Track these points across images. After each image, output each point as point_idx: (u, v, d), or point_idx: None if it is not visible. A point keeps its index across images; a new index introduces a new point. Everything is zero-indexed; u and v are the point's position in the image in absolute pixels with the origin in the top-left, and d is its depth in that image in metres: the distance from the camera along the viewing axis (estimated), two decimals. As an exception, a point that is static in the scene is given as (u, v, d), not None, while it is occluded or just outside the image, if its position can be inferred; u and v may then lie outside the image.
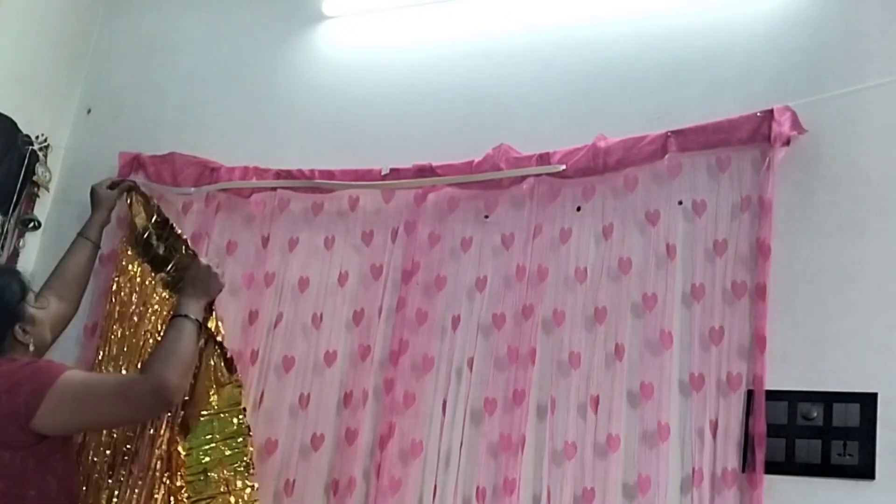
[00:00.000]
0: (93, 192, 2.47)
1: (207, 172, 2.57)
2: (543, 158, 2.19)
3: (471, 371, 2.15)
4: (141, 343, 2.39)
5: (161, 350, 1.95)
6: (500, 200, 2.26)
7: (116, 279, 2.50)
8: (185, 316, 2.01)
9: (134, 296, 2.46)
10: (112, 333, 2.45)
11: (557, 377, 2.07)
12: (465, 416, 2.13)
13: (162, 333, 2.05)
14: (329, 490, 2.20)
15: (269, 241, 2.46)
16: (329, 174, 2.41)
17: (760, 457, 1.83)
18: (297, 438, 2.28)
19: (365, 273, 2.34)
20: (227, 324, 2.37)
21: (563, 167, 2.15)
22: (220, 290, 2.17)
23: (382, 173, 2.36)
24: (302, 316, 2.38)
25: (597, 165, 2.12)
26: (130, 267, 2.50)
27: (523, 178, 2.21)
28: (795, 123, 1.97)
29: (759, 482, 1.82)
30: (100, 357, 2.44)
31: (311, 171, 2.44)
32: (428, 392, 2.18)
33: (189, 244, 2.39)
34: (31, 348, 1.98)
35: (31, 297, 2.00)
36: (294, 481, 2.24)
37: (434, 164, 2.30)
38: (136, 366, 2.34)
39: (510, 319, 2.15)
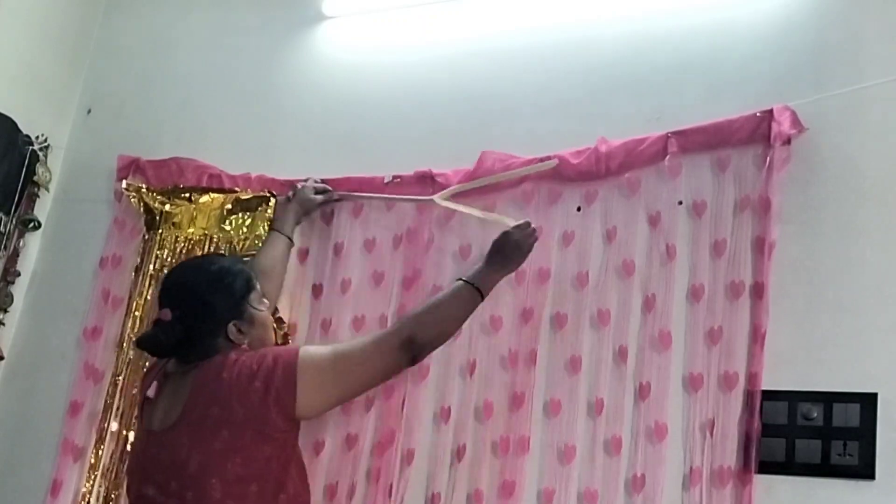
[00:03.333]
0: (296, 192, 2.32)
1: (207, 178, 2.57)
2: (542, 161, 2.19)
3: (471, 375, 2.15)
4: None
5: (425, 305, 1.82)
6: (500, 204, 2.25)
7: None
8: (467, 282, 1.84)
9: None
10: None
11: (562, 379, 2.07)
12: (469, 417, 2.13)
13: (441, 292, 1.87)
14: (326, 494, 2.19)
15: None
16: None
17: (758, 456, 1.84)
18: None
19: (367, 279, 2.34)
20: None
21: (556, 162, 2.15)
22: (520, 264, 1.95)
23: (385, 181, 2.35)
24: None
25: (599, 169, 2.13)
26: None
27: (521, 180, 2.21)
28: (795, 123, 1.97)
29: (756, 481, 1.83)
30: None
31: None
32: (427, 397, 2.18)
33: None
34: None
35: (254, 296, 1.81)
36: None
37: (434, 171, 2.30)
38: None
39: (512, 322, 2.14)
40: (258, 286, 1.85)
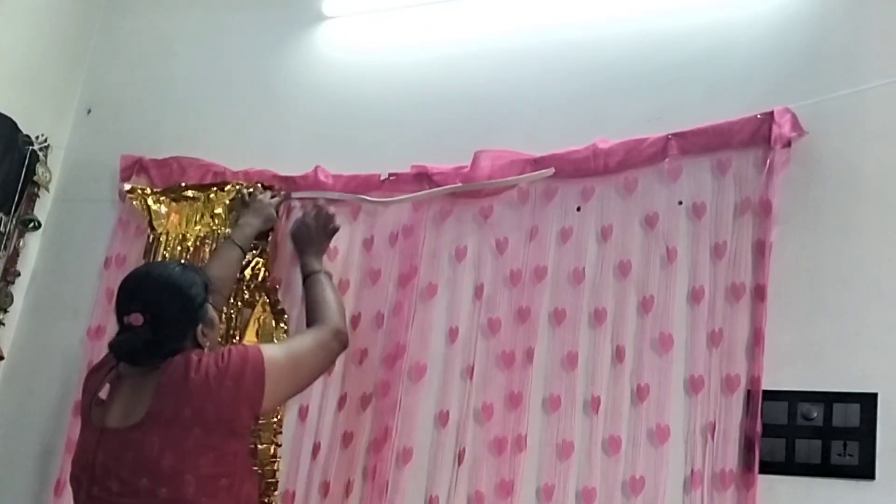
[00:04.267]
0: (268, 211, 2.37)
1: (210, 175, 2.57)
2: (539, 162, 2.19)
3: (471, 378, 2.15)
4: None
5: (316, 306, 2.06)
6: (498, 203, 2.26)
7: None
8: (314, 272, 2.14)
9: None
10: None
11: (560, 377, 2.07)
12: (469, 420, 2.13)
13: (306, 303, 2.12)
14: (321, 490, 2.20)
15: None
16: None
17: (759, 457, 1.84)
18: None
19: (364, 277, 2.34)
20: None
21: (552, 171, 2.15)
22: (336, 230, 2.26)
23: (382, 179, 2.36)
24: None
25: (597, 167, 2.13)
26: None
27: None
28: (796, 125, 1.97)
29: (758, 483, 1.83)
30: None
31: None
32: (426, 399, 2.19)
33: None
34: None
35: (211, 299, 1.90)
36: (294, 491, 2.25)
37: (430, 168, 2.30)
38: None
39: (509, 321, 2.15)
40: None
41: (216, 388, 1.72)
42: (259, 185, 2.44)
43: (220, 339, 2.18)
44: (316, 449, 2.25)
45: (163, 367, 1.75)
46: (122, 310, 1.81)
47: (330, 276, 2.16)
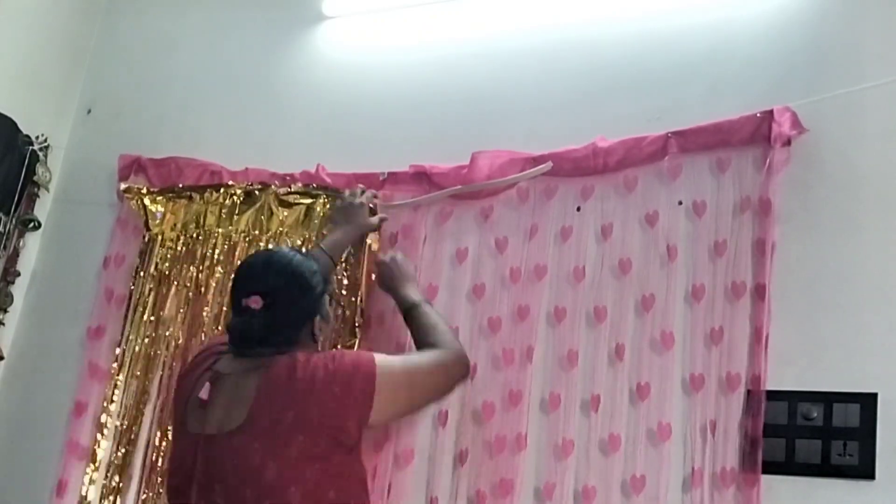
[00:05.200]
0: (351, 209, 2.19)
1: (208, 175, 2.57)
2: (538, 160, 2.19)
3: (472, 379, 2.13)
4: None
5: (432, 334, 1.86)
6: (498, 202, 2.26)
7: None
8: (416, 304, 1.95)
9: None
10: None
11: (558, 374, 2.07)
12: (469, 420, 2.13)
13: (414, 333, 1.93)
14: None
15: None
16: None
17: (758, 457, 1.84)
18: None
19: (366, 278, 2.33)
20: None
21: (550, 165, 2.15)
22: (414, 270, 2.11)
23: (381, 178, 2.36)
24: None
25: (597, 165, 2.13)
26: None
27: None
28: (795, 124, 1.97)
29: (757, 482, 1.83)
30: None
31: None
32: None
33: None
34: (319, 349, 1.79)
35: (328, 295, 1.80)
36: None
37: (429, 167, 2.30)
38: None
39: (509, 319, 2.15)
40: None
41: (322, 391, 1.59)
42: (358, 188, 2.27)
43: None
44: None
45: (267, 366, 1.64)
46: (239, 292, 1.71)
47: (429, 304, 1.99)
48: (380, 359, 1.68)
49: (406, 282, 2.02)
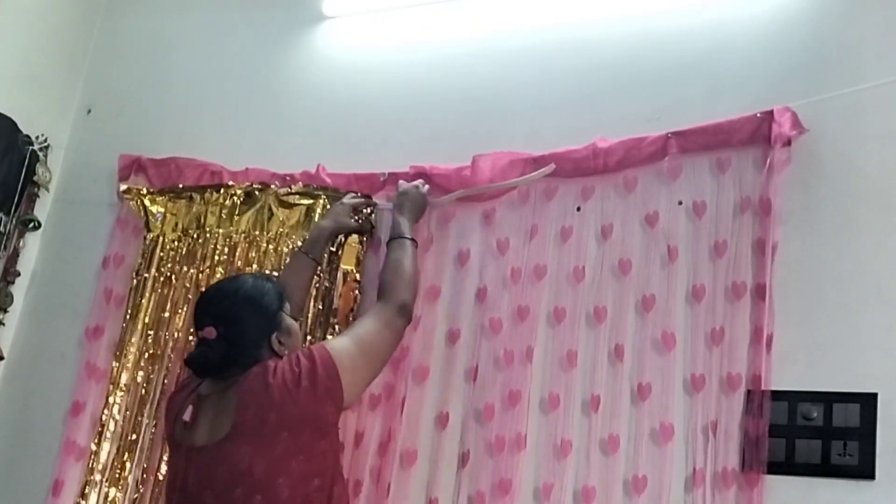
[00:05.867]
0: (335, 207, 2.31)
1: (208, 175, 2.57)
2: (538, 161, 2.19)
3: (475, 380, 2.15)
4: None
5: (391, 273, 2.00)
6: (499, 204, 2.26)
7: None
8: (401, 236, 2.08)
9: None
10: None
11: (557, 374, 2.08)
12: (471, 421, 2.14)
13: (384, 261, 2.07)
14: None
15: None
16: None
17: (760, 457, 1.84)
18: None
19: (370, 279, 2.33)
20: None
21: (553, 167, 2.15)
22: (426, 207, 2.22)
23: (381, 178, 2.36)
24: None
25: (597, 166, 2.13)
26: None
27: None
28: (795, 124, 1.97)
29: (758, 482, 1.83)
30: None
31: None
32: (428, 399, 2.19)
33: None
34: None
35: (287, 306, 1.88)
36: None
37: (429, 168, 2.30)
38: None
39: (509, 319, 2.15)
40: (288, 298, 1.92)
41: (294, 390, 1.70)
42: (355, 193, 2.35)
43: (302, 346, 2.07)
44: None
45: (241, 380, 1.74)
46: (197, 324, 1.83)
47: (415, 246, 2.09)
48: (331, 345, 1.81)
49: (408, 215, 2.14)
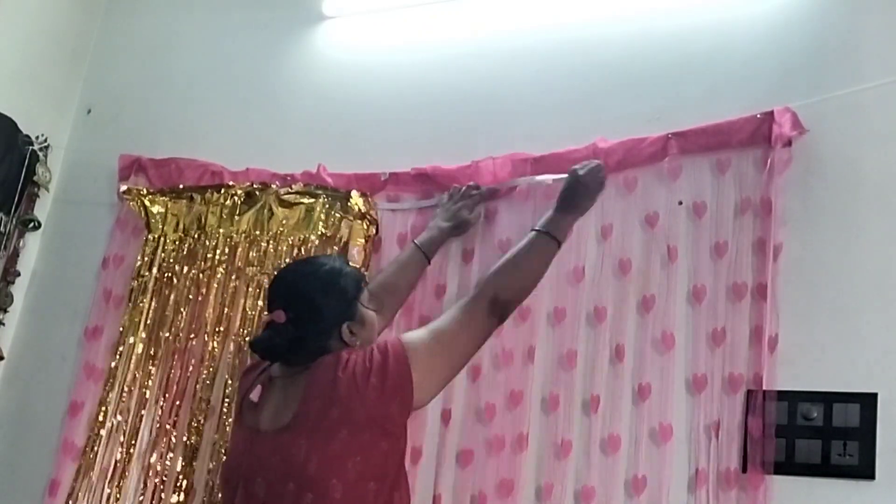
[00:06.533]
0: (460, 214, 2.19)
1: (209, 175, 2.57)
2: (539, 161, 2.19)
3: (476, 380, 2.15)
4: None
5: (503, 262, 1.81)
6: (501, 202, 2.26)
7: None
8: (539, 231, 1.84)
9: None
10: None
11: (557, 374, 2.08)
12: (470, 418, 2.14)
13: (515, 245, 1.85)
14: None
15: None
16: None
17: (761, 457, 1.84)
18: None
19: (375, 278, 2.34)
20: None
21: (565, 176, 2.14)
22: (591, 205, 1.94)
23: (382, 178, 2.37)
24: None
25: (597, 167, 2.13)
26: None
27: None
28: (796, 124, 1.98)
29: (760, 482, 1.83)
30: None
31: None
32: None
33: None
34: None
35: (364, 295, 1.79)
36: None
37: (430, 168, 2.31)
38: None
39: (509, 319, 2.14)
40: (367, 287, 1.84)
41: (363, 386, 1.61)
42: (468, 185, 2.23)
43: None
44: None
45: (312, 368, 1.67)
46: (269, 305, 1.77)
47: (558, 245, 1.84)
48: (406, 338, 1.69)
49: (566, 205, 1.89)
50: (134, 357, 2.47)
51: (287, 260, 2.38)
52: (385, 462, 1.64)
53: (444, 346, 1.70)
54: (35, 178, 2.76)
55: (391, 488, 1.65)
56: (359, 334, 1.74)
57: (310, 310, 1.71)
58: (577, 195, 1.89)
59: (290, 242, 2.40)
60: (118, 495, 2.37)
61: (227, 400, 2.34)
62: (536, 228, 1.85)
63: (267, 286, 1.80)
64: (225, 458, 1.81)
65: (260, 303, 2.39)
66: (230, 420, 2.31)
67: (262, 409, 1.73)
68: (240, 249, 2.45)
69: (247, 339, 2.37)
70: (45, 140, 2.81)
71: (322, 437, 1.61)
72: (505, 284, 1.77)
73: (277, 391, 1.73)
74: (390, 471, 1.65)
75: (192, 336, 2.43)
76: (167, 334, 2.46)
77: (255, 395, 1.73)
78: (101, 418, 2.45)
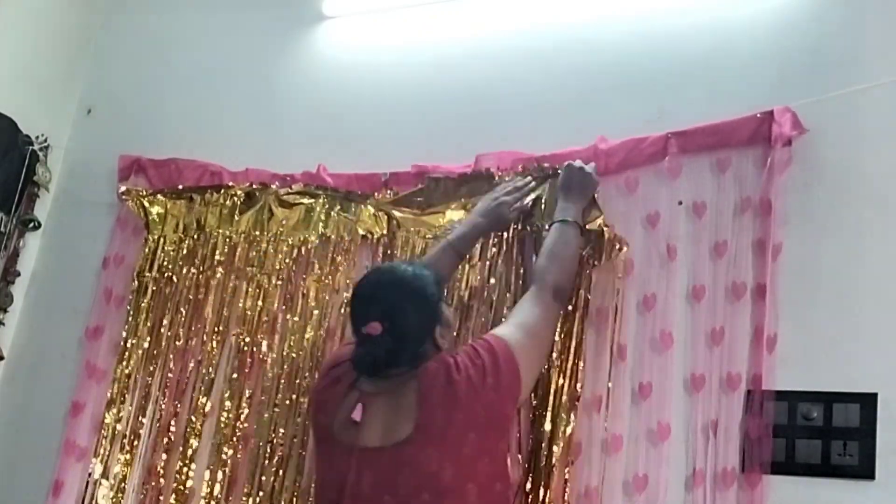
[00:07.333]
0: (499, 210, 2.09)
1: (208, 176, 2.58)
2: (541, 161, 2.18)
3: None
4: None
5: (546, 257, 1.90)
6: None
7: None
8: (565, 221, 1.95)
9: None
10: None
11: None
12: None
13: (546, 239, 1.95)
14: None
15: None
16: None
17: (759, 457, 1.84)
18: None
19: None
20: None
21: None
22: (595, 188, 2.04)
23: (383, 178, 2.37)
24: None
25: (598, 167, 2.12)
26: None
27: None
28: (796, 124, 1.97)
29: (758, 482, 1.83)
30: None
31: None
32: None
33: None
34: None
35: (445, 295, 1.81)
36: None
37: (431, 168, 2.31)
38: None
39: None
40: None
41: (480, 388, 1.63)
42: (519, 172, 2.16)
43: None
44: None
45: (419, 376, 1.65)
46: (358, 319, 1.72)
47: (577, 229, 1.95)
48: (505, 334, 1.73)
49: (573, 195, 2.00)
50: (135, 357, 2.47)
51: (287, 260, 2.39)
52: (504, 461, 1.67)
53: (535, 339, 1.77)
54: (35, 178, 2.77)
55: (506, 487, 1.68)
56: (446, 337, 1.75)
57: (404, 318, 1.69)
58: (577, 183, 2.01)
59: (290, 243, 2.40)
60: (119, 496, 2.37)
61: (227, 402, 2.34)
62: (558, 220, 1.95)
63: (350, 298, 1.78)
64: (321, 480, 1.75)
65: (260, 303, 2.40)
66: (230, 419, 2.32)
67: (364, 426, 1.67)
68: (239, 250, 2.46)
69: (246, 339, 2.38)
70: (45, 140, 2.81)
71: (452, 443, 1.61)
72: (560, 274, 1.87)
73: (381, 406, 1.68)
74: (507, 470, 1.68)
75: (192, 336, 2.43)
76: (167, 335, 2.46)
77: (357, 415, 1.68)
78: (103, 419, 2.46)
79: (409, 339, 1.69)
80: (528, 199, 2.13)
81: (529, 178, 2.15)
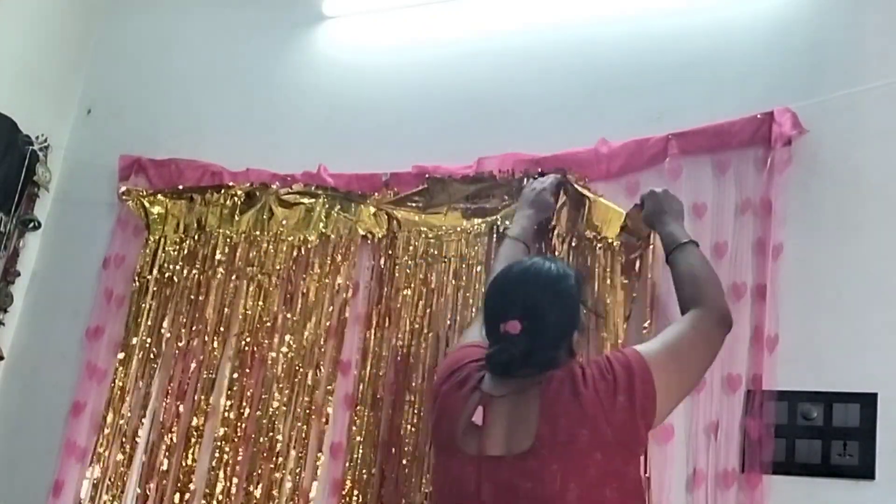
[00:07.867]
0: (542, 196, 2.08)
1: (209, 176, 2.58)
2: (542, 162, 2.19)
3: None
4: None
5: (690, 282, 1.75)
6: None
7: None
8: (682, 243, 1.81)
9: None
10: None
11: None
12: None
13: (674, 278, 1.80)
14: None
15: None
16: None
17: (759, 457, 1.85)
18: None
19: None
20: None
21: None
22: (681, 204, 1.93)
23: (383, 179, 2.37)
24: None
25: (600, 170, 2.13)
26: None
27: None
28: (796, 125, 1.98)
29: (758, 482, 1.84)
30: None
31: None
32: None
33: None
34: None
35: (587, 298, 1.71)
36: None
37: (431, 168, 2.31)
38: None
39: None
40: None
41: (609, 406, 1.49)
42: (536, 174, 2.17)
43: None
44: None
45: (543, 384, 1.53)
46: (496, 317, 1.59)
47: (697, 245, 1.83)
48: (645, 352, 1.58)
49: (671, 218, 1.88)
50: (136, 357, 2.47)
51: (288, 261, 2.38)
52: (637, 489, 1.53)
53: (681, 363, 1.60)
54: (35, 178, 2.77)
55: None
56: (580, 342, 1.66)
57: (545, 318, 1.58)
58: (667, 204, 1.90)
59: (290, 243, 2.41)
60: (120, 495, 2.38)
61: (228, 401, 2.34)
62: (680, 242, 1.81)
63: (484, 293, 1.69)
64: (441, 486, 1.65)
65: (260, 303, 2.40)
66: (230, 419, 2.32)
67: (485, 431, 1.56)
68: (240, 250, 2.46)
69: (247, 339, 2.38)
70: (45, 140, 2.81)
71: (575, 461, 1.47)
72: (716, 297, 1.73)
73: (503, 411, 1.56)
74: (638, 494, 1.53)
75: (192, 337, 2.43)
76: (168, 335, 2.46)
77: (477, 419, 1.57)
78: (103, 419, 2.46)
79: (546, 341, 1.57)
80: (555, 178, 2.12)
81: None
